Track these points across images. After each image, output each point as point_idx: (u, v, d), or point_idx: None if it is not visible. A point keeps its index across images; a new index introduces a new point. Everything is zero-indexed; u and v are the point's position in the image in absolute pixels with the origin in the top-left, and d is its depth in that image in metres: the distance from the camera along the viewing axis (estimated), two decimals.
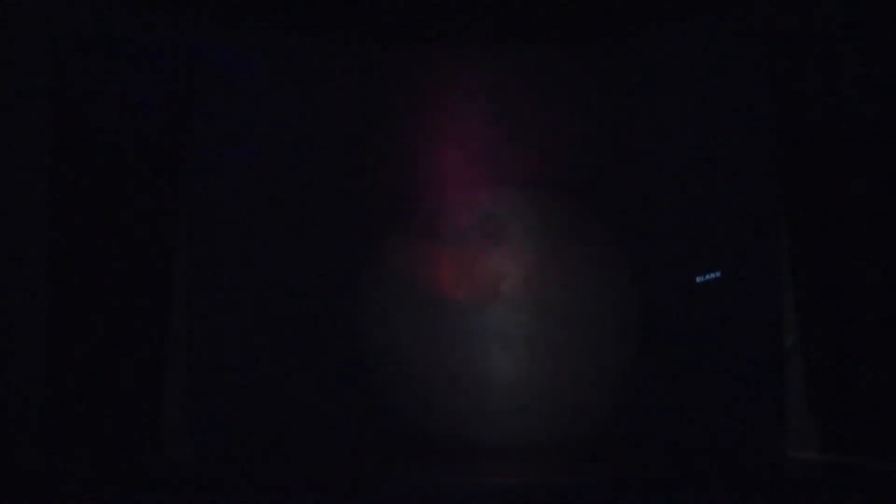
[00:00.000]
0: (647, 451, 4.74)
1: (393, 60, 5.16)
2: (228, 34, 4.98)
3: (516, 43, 5.09)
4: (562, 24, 4.92)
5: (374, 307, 5.11)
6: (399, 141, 5.14)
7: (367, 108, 5.14)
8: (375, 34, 5.09)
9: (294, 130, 5.12)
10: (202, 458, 4.79)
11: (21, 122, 4.47)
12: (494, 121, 5.12)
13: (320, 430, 4.98)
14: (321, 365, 5.06)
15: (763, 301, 4.64)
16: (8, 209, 4.41)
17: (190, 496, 4.26)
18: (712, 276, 4.76)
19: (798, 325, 4.54)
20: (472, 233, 5.12)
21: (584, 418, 4.91)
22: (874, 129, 4.36)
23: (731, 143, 4.80)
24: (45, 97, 4.52)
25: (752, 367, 4.66)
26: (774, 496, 4.10)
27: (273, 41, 5.07)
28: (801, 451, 4.56)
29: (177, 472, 4.65)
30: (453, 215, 5.14)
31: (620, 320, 4.99)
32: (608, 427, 4.89)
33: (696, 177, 4.89)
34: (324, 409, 4.99)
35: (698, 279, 4.78)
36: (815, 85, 4.48)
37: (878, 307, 4.36)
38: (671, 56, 4.95)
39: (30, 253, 4.44)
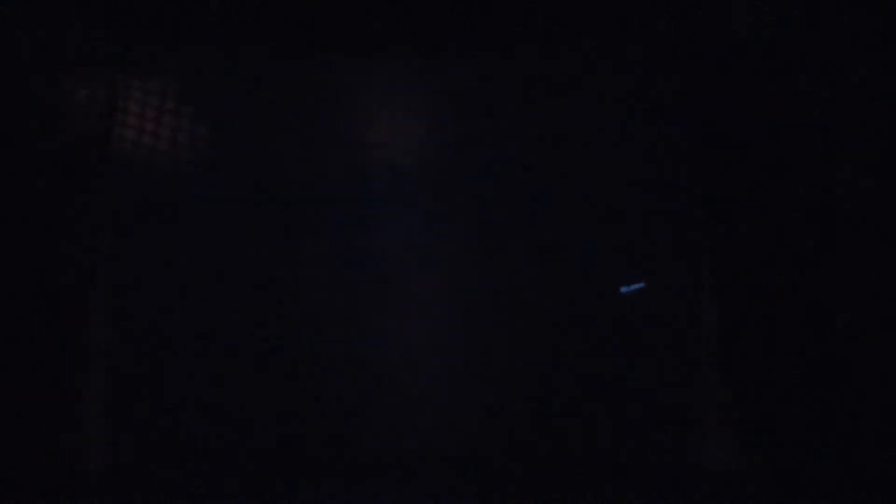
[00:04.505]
0: (564, 462, 4.76)
1: (341, 72, 5.11)
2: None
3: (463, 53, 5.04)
4: (503, 37, 4.90)
5: (302, 310, 5.02)
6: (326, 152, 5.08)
7: (310, 116, 5.09)
8: (321, 47, 5.04)
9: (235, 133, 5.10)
10: (121, 468, 4.77)
11: None
12: (439, 128, 5.06)
13: (244, 435, 4.91)
14: (245, 368, 4.97)
15: (681, 309, 4.71)
16: None
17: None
18: (637, 286, 4.69)
19: (717, 332, 4.61)
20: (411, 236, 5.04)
21: (503, 430, 4.87)
22: (794, 138, 4.34)
23: (659, 156, 4.85)
24: None
25: (668, 374, 4.72)
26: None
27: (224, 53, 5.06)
28: (713, 459, 4.61)
29: (94, 483, 4.62)
30: (376, 231, 5.05)
31: (549, 324, 4.94)
32: (527, 436, 4.86)
33: (623, 186, 4.89)
34: (247, 414, 4.91)
35: (623, 290, 4.71)
36: (730, 99, 4.49)
37: (796, 312, 4.32)
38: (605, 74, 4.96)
39: None
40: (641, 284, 4.67)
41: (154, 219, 4.97)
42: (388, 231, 5.02)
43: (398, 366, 4.95)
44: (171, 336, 4.92)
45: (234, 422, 4.87)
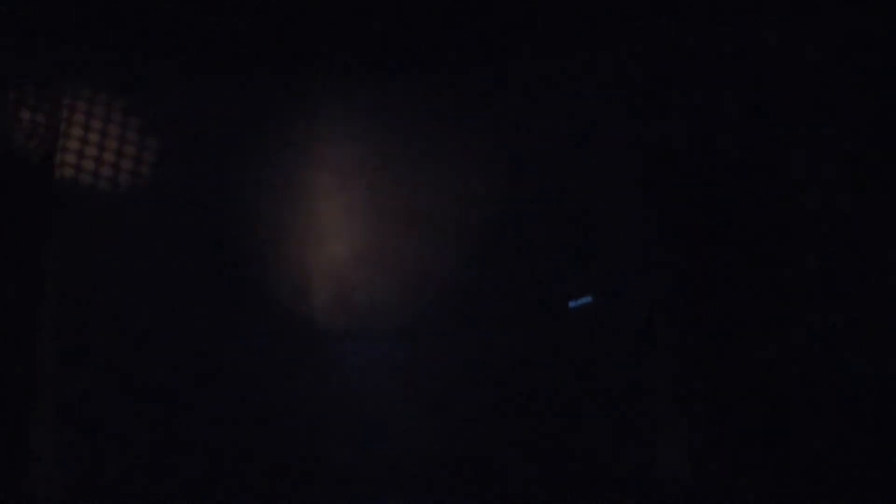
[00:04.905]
0: (520, 474, 4.81)
1: (264, 88, 5.06)
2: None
3: (387, 72, 5.04)
4: (434, 53, 4.91)
5: (243, 335, 4.99)
6: (272, 169, 5.06)
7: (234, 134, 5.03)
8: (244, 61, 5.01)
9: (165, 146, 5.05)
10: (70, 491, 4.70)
11: None
12: (367, 150, 5.05)
13: (193, 460, 4.89)
14: (196, 396, 4.94)
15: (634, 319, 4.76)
16: None
17: None
18: (584, 300, 4.76)
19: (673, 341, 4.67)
20: (346, 261, 5.03)
21: (456, 445, 4.88)
22: (747, 152, 4.48)
23: (606, 167, 4.89)
24: None
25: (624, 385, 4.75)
26: None
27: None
28: (670, 468, 4.64)
29: None
30: (327, 245, 5.04)
31: (495, 346, 4.94)
32: (479, 453, 4.88)
33: (571, 198, 4.92)
34: (196, 441, 4.88)
35: (571, 304, 4.78)
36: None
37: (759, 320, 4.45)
38: (543, 85, 4.97)
39: None
40: (588, 299, 4.78)
41: (103, 235, 4.92)
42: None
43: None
44: (126, 354, 4.88)
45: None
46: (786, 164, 4.39)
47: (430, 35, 4.86)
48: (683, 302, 4.68)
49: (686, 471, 4.64)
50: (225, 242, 5.00)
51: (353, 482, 4.81)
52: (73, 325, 4.86)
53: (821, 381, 4.31)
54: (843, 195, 4.27)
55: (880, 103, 4.19)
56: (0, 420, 4.62)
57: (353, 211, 5.06)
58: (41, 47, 4.81)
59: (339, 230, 5.06)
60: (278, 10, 4.81)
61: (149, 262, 4.95)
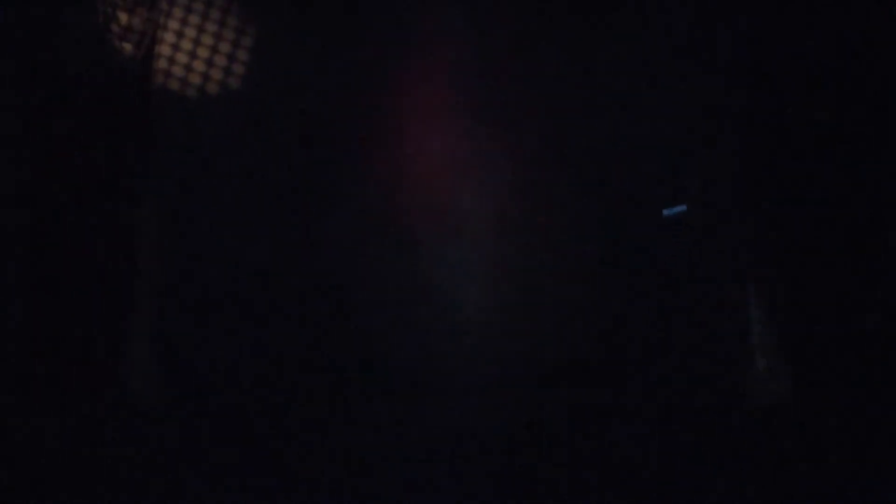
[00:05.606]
0: (612, 381, 4.79)
1: None
2: None
3: None
4: None
5: (343, 240, 5.01)
6: (373, 72, 5.03)
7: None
8: None
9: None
10: (168, 397, 4.77)
11: None
12: (469, 56, 5.00)
13: (292, 368, 4.92)
14: (293, 301, 4.97)
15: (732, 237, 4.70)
16: None
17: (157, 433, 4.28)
18: (678, 209, 4.77)
19: (766, 261, 4.59)
20: (442, 165, 5.02)
21: (551, 350, 4.88)
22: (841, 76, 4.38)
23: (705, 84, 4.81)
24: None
25: (719, 304, 4.70)
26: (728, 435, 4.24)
27: None
28: (764, 393, 4.57)
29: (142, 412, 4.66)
30: (425, 148, 5.02)
31: (590, 253, 4.93)
32: (575, 358, 4.86)
33: (668, 110, 4.86)
34: (295, 346, 4.93)
35: (665, 212, 4.79)
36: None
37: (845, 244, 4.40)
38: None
39: None
40: (683, 207, 4.76)
41: (199, 150, 4.95)
42: (431, 155, 5.00)
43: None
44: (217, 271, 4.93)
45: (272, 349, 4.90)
46: None
47: None
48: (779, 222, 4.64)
49: (785, 392, 4.57)
50: (316, 144, 5.00)
51: (434, 375, 4.84)
52: (169, 217, 4.93)
53: None
54: None
55: None
56: (98, 308, 4.69)
57: (450, 115, 5.01)
58: None
59: (434, 135, 5.02)
60: None
61: (241, 165, 4.97)
